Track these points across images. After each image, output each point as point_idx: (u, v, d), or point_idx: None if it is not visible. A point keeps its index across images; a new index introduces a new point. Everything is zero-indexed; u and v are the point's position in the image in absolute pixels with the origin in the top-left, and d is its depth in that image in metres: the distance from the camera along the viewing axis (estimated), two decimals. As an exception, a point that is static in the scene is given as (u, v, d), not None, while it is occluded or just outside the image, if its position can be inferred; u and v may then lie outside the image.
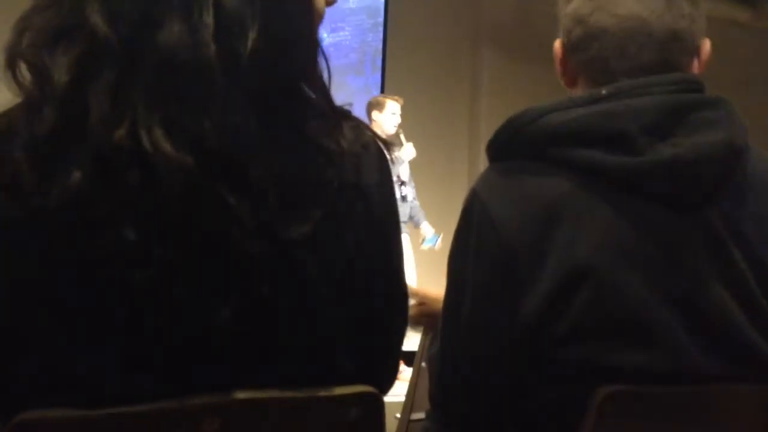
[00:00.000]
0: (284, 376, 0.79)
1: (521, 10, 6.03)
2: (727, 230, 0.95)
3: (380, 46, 6.03)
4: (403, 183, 4.62)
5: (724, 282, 0.94)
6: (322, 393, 0.80)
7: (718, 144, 0.94)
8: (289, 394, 0.78)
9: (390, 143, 0.91)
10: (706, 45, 1.08)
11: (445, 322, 1.07)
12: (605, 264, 0.92)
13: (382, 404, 0.83)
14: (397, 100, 4.75)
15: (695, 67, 1.07)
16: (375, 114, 4.74)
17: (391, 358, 0.95)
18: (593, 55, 1.05)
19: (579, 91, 1.09)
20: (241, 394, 0.75)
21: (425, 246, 4.94)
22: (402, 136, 4.70)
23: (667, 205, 0.94)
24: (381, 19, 6.04)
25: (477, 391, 1.03)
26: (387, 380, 0.95)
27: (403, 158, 4.61)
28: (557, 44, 1.11)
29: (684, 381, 0.92)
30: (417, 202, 4.88)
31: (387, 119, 4.70)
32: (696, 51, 1.07)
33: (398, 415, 1.91)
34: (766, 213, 0.98)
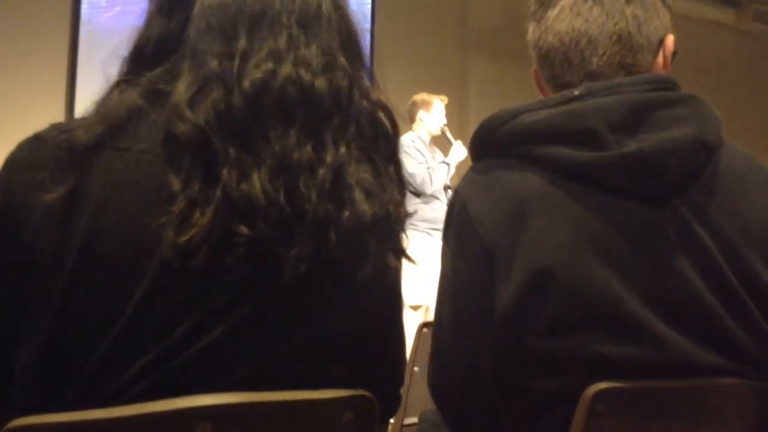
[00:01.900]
0: (282, 380, 0.79)
1: (508, 15, 6.05)
2: (699, 222, 0.96)
3: (367, 52, 6.05)
4: (449, 188, 4.33)
5: (699, 273, 0.95)
6: (315, 396, 0.80)
7: (685, 138, 0.96)
8: (281, 397, 0.78)
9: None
10: (669, 40, 1.11)
11: (435, 320, 1.10)
12: (575, 258, 0.93)
13: (375, 408, 0.83)
14: (442, 99, 4.50)
15: (659, 64, 1.10)
16: (422, 113, 4.48)
17: (391, 368, 0.96)
18: (550, 73, 1.12)
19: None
20: (232, 398, 0.75)
21: None
22: (449, 135, 4.44)
23: (635, 198, 0.96)
24: (368, 25, 6.05)
25: (465, 388, 1.04)
26: (392, 384, 0.95)
27: (450, 161, 4.32)
28: (534, 69, 1.17)
29: (668, 372, 0.93)
30: None
31: (434, 120, 4.45)
32: (656, 49, 1.09)
33: (392, 420, 1.91)
34: (739, 205, 1.00)
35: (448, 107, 4.58)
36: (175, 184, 0.75)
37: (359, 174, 0.84)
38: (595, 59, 1.07)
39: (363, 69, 0.91)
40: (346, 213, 0.81)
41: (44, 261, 0.76)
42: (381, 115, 0.90)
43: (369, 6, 6.08)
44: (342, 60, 0.87)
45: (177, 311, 0.75)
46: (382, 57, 5.97)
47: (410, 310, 4.22)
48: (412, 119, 4.51)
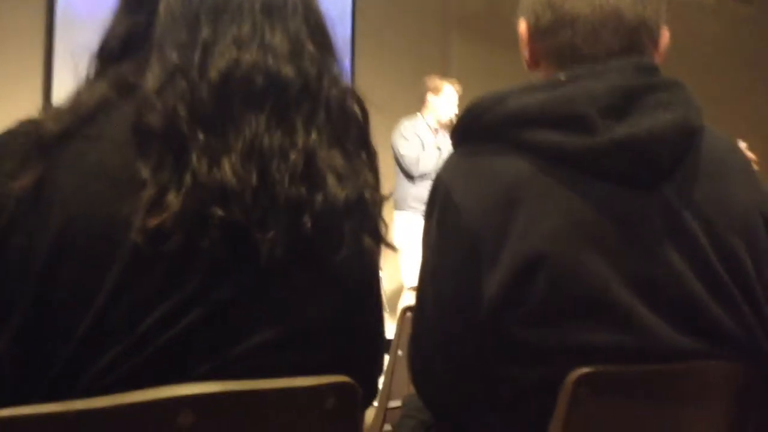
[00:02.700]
0: (260, 367, 0.79)
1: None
2: (685, 207, 0.97)
3: (348, 35, 6.00)
4: None
5: (685, 258, 0.95)
6: (298, 383, 0.80)
7: (673, 124, 0.96)
8: (263, 385, 0.78)
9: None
10: (666, 34, 1.10)
11: (416, 307, 1.09)
12: (565, 245, 0.93)
13: (358, 394, 0.83)
14: (452, 83, 4.45)
15: (655, 55, 1.09)
16: (430, 96, 4.45)
17: (371, 347, 0.96)
18: (563, 40, 1.05)
19: (541, 74, 1.10)
20: (215, 386, 0.75)
21: None
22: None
23: (625, 184, 0.96)
24: (349, 9, 6.02)
25: (447, 375, 1.04)
26: (371, 369, 0.96)
27: (442, 147, 4.29)
28: (522, 26, 1.11)
29: (652, 358, 0.93)
30: None
31: (442, 105, 4.42)
32: (657, 39, 1.08)
33: (375, 404, 1.91)
34: (722, 190, 1.00)
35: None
36: (145, 171, 0.76)
37: (331, 159, 0.84)
38: (618, 41, 1.03)
39: (332, 57, 0.92)
40: (320, 197, 0.82)
41: (17, 250, 0.76)
42: (351, 102, 0.91)
43: (350, -12, 6.04)
44: (310, 47, 0.87)
45: (151, 297, 0.75)
46: (363, 41, 5.94)
47: (409, 292, 4.25)
48: (422, 102, 4.51)
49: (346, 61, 6.15)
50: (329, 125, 0.86)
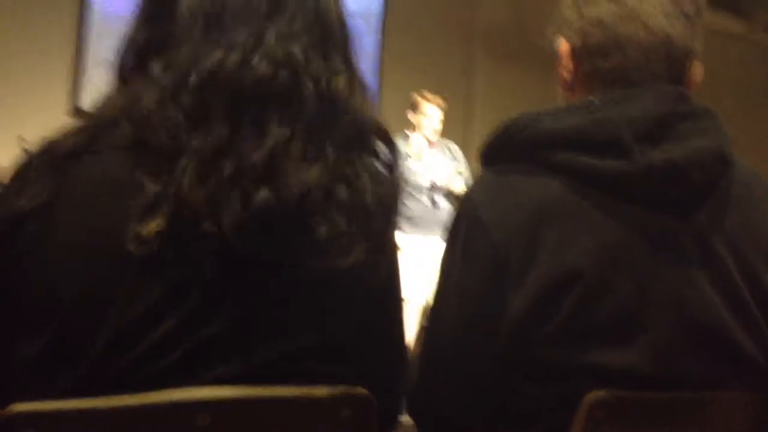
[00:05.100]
0: (284, 376, 0.80)
1: (516, 13, 6.04)
2: (717, 234, 0.97)
3: (376, 51, 6.03)
4: (435, 186, 4.36)
5: (714, 285, 0.95)
6: (314, 392, 0.80)
7: (708, 151, 0.96)
8: (279, 392, 0.79)
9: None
10: (699, 66, 1.09)
11: (432, 324, 1.07)
12: (596, 267, 0.93)
13: (374, 406, 0.83)
14: (436, 103, 4.48)
15: (689, 85, 1.08)
16: (410, 114, 4.49)
17: (393, 361, 0.96)
18: (614, 64, 1.03)
19: (575, 96, 1.09)
20: (232, 391, 0.76)
21: None
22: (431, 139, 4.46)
23: (658, 209, 0.96)
24: (377, 24, 6.04)
25: (462, 393, 1.03)
26: (393, 383, 0.96)
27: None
28: (564, 46, 1.09)
29: (672, 385, 0.93)
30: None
31: (420, 122, 4.46)
32: (693, 70, 1.08)
33: (403, 419, 1.90)
34: (751, 217, 1.00)
35: (452, 106, 4.56)
36: (142, 181, 0.78)
37: (304, 161, 0.83)
38: (665, 69, 1.03)
39: (340, 59, 0.91)
40: (290, 199, 0.81)
41: (37, 264, 0.79)
42: (356, 104, 0.90)
43: (379, 3, 6.08)
44: (309, 49, 0.88)
45: (164, 304, 0.77)
46: (388, 54, 5.97)
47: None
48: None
49: (370, 75, 6.13)
50: (310, 127, 0.85)
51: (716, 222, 0.97)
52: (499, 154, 1.05)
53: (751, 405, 0.98)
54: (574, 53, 1.08)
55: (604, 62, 1.04)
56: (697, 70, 1.09)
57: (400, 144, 4.33)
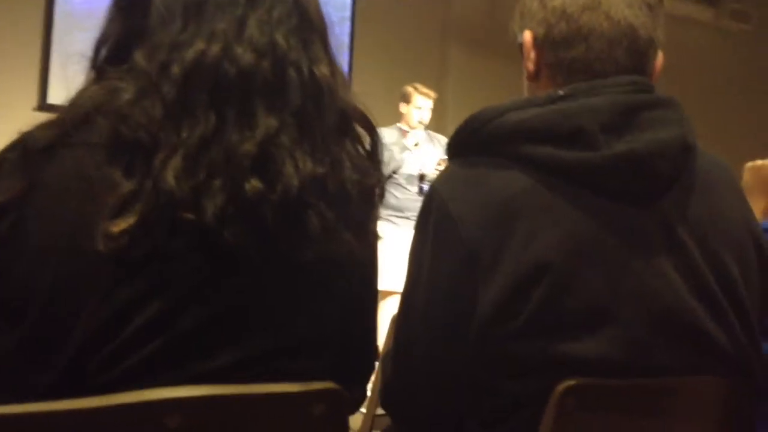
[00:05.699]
0: (257, 373, 0.80)
1: (489, 4, 6.05)
2: (682, 223, 0.98)
3: (347, 41, 6.01)
4: (423, 177, 4.35)
5: (681, 274, 0.96)
6: (286, 389, 0.80)
7: (672, 140, 0.97)
8: (251, 389, 0.78)
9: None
10: (661, 56, 1.10)
11: (402, 319, 1.07)
12: (564, 259, 0.93)
13: (346, 401, 0.83)
14: (427, 95, 4.48)
15: (650, 74, 1.09)
16: (402, 105, 4.49)
17: (365, 355, 0.96)
18: (577, 54, 1.04)
19: (540, 87, 1.09)
20: (202, 390, 0.75)
21: None
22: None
23: (624, 199, 0.96)
24: (348, 14, 6.02)
25: (435, 388, 1.03)
26: (362, 376, 0.96)
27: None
28: (528, 36, 1.09)
29: (643, 373, 0.94)
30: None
31: (410, 113, 4.45)
32: (656, 60, 1.09)
33: (363, 410, 1.91)
34: (715, 206, 1.01)
35: (424, 98, 4.56)
36: (116, 177, 0.77)
37: (295, 150, 0.83)
38: (629, 59, 1.03)
39: (319, 48, 0.91)
40: (279, 187, 0.81)
41: (14, 258, 0.78)
42: (336, 92, 0.90)
43: (349, -6, 6.05)
44: (290, 37, 0.88)
45: (136, 301, 0.76)
46: (361, 45, 5.95)
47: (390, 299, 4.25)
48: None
49: (344, 65, 6.14)
50: (297, 116, 0.85)
51: (681, 211, 0.98)
52: (466, 147, 1.05)
53: (719, 390, 0.99)
54: (538, 44, 1.08)
55: (567, 53, 1.05)
56: (660, 60, 1.10)
57: (395, 136, 4.37)
